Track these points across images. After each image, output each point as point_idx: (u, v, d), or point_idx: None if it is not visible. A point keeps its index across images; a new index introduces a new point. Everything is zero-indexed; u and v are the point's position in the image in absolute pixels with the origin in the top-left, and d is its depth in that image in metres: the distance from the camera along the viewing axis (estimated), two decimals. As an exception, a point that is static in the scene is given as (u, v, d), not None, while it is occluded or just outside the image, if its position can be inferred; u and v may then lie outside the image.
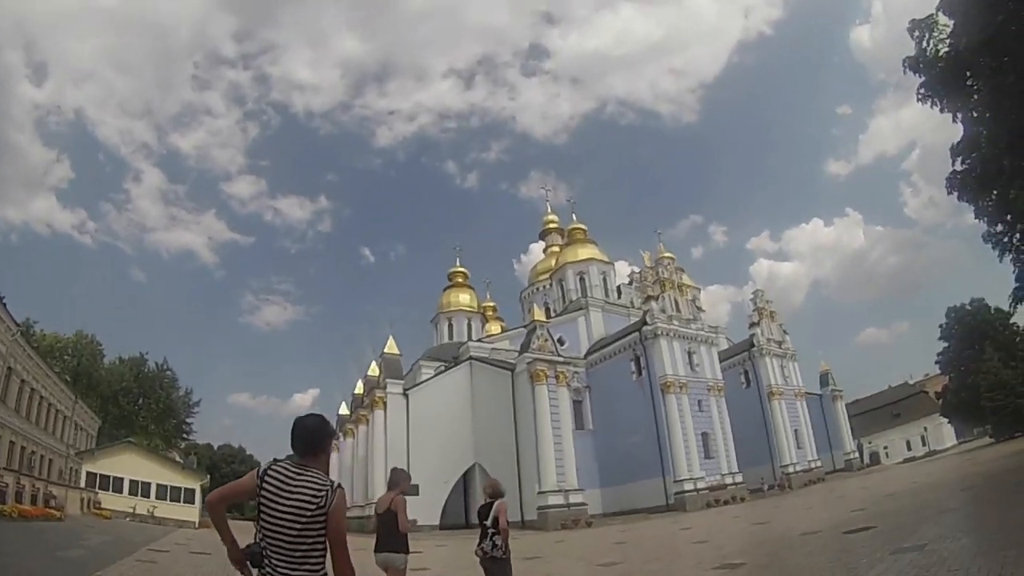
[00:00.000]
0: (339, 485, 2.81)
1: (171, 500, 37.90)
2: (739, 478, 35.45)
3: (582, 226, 55.33)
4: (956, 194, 14.31)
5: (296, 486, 2.69)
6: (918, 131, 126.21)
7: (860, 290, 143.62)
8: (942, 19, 13.50)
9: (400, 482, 6.42)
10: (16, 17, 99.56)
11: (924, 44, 13.77)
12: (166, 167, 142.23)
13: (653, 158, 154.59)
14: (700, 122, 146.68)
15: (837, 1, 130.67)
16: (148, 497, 37.16)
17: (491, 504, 6.51)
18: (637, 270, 48.99)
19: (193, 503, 39.12)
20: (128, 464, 37.79)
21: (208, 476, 44.09)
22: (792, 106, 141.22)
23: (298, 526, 2.63)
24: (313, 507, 2.65)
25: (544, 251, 65.27)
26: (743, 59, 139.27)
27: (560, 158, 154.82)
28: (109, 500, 34.33)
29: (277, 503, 2.66)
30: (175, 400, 57.35)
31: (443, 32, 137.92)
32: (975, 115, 13.80)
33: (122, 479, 36.81)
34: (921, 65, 13.63)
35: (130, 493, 36.74)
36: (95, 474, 36.31)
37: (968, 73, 13.19)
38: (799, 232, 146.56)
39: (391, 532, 6.09)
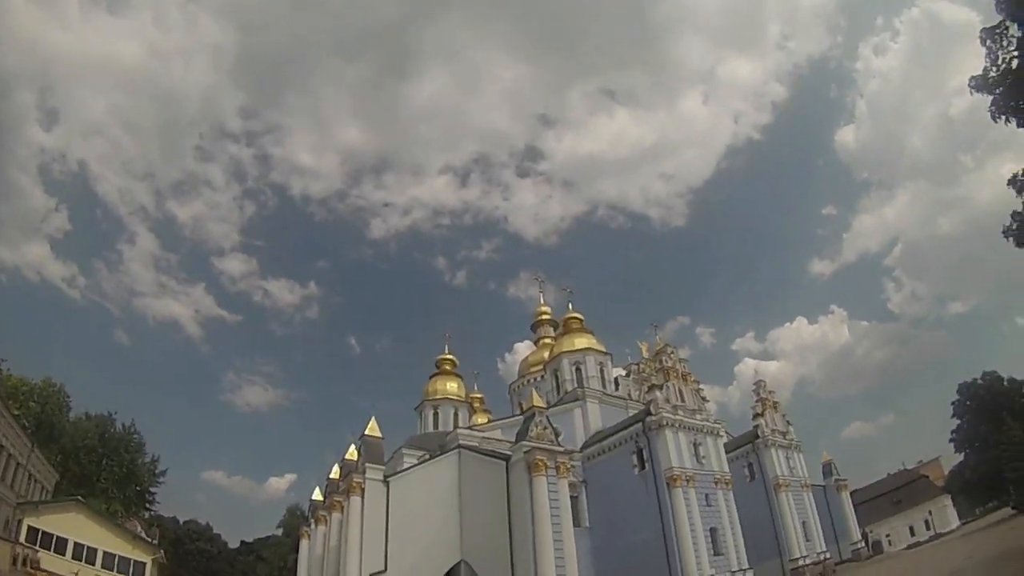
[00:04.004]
0: None
1: (118, 571, 33.54)
2: (750, 575, 33.20)
3: (578, 315, 54.35)
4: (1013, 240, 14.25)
5: None
6: (900, 227, 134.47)
7: (845, 385, 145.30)
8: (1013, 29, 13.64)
9: None
10: (40, 59, 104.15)
11: (995, 56, 13.78)
12: (161, 233, 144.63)
13: (642, 261, 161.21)
14: (688, 225, 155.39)
15: (823, 104, 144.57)
16: (93, 564, 32.84)
17: None
18: (633, 365, 48.71)
19: (142, 579, 34.58)
20: (74, 525, 33.67)
21: (163, 552, 39.14)
22: (778, 208, 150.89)
23: None
24: None
25: (536, 343, 64.89)
26: (732, 163, 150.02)
27: (549, 259, 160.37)
28: (49, 561, 30.35)
29: None
30: (139, 466, 53.40)
31: (443, 128, 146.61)
32: None
33: (66, 540, 32.61)
34: (990, 82, 13.71)
35: (74, 557, 32.42)
36: (37, 530, 32.17)
37: None
38: (784, 331, 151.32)
39: None
